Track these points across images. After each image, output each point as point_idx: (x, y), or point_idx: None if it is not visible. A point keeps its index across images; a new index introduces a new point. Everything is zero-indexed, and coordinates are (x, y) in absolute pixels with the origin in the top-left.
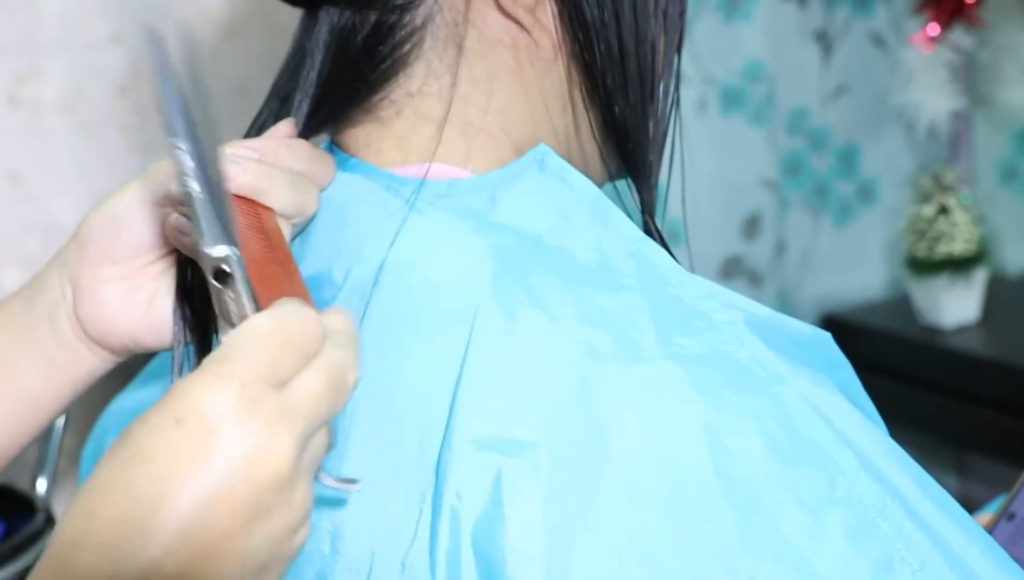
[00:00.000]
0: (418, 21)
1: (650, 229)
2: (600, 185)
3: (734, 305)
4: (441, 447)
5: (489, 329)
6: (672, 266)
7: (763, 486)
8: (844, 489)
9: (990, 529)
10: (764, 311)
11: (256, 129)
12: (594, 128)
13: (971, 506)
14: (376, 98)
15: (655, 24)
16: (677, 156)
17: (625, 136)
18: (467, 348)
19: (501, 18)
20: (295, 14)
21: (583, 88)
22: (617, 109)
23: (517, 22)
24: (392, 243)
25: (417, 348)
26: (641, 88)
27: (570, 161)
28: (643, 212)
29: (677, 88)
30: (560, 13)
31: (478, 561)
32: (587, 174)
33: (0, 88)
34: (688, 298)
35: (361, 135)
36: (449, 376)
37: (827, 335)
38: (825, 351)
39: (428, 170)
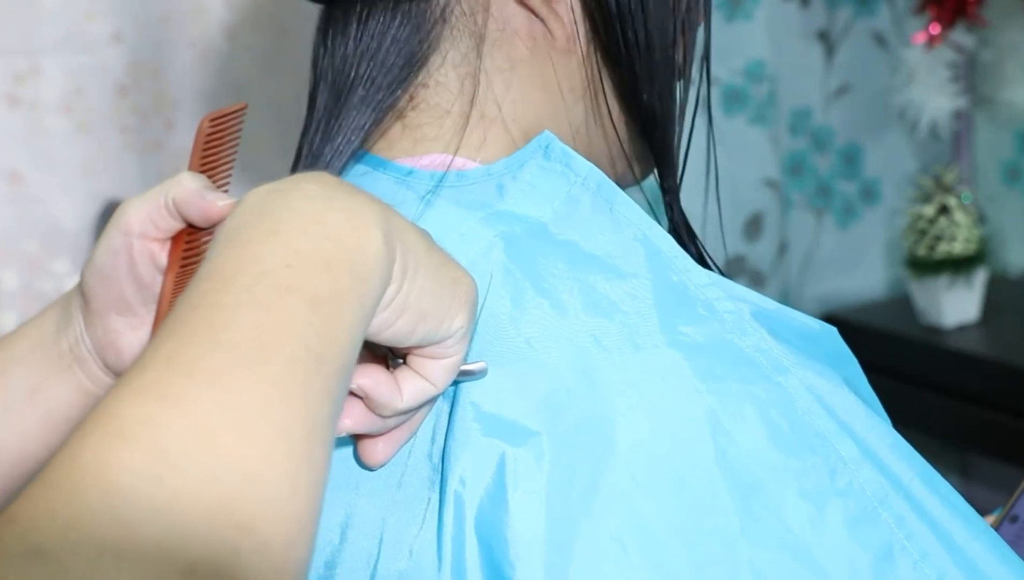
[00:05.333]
0: (436, 11)
1: (674, 218)
2: (624, 187)
3: (741, 297)
4: (447, 433)
5: (495, 317)
6: (677, 253)
7: (765, 475)
8: (846, 479)
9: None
10: (771, 304)
11: (309, 145)
12: (615, 120)
13: (975, 508)
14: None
15: (677, 18)
16: (697, 156)
17: (652, 124)
18: (472, 336)
19: (517, 8)
20: (295, 14)
21: (608, 78)
22: (645, 97)
23: (532, 11)
24: None
25: None
26: (666, 78)
27: (589, 156)
28: (667, 202)
29: (709, 84)
30: (583, 3)
31: (481, 547)
32: (607, 169)
33: None
34: (692, 285)
35: (376, 127)
36: None
37: (833, 330)
38: (832, 346)
39: (446, 163)
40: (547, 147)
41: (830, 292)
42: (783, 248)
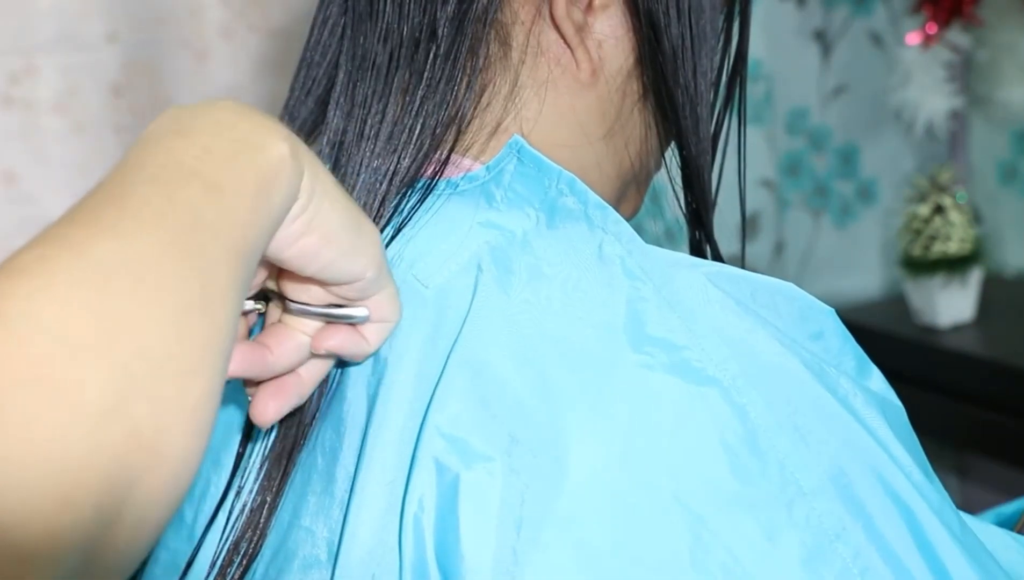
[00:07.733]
0: (479, 24)
1: (712, 252)
2: (630, 218)
3: (729, 282)
4: (412, 454)
5: (472, 335)
6: (642, 264)
7: (720, 505)
8: (803, 512)
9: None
10: (766, 294)
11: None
12: (644, 158)
13: (970, 508)
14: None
15: (714, 63)
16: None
17: (697, 172)
18: (448, 356)
19: (552, 32)
20: (291, 15)
21: (659, 122)
22: (692, 146)
23: (564, 39)
24: (389, 240)
25: (400, 353)
26: (707, 125)
27: (602, 189)
28: (702, 236)
29: (742, 126)
30: (637, 44)
31: (441, 573)
32: (619, 204)
33: None
34: (662, 295)
35: None
36: (427, 385)
37: (830, 310)
38: (822, 322)
39: (443, 165)
40: (519, 151)
41: (826, 292)
42: (780, 248)
